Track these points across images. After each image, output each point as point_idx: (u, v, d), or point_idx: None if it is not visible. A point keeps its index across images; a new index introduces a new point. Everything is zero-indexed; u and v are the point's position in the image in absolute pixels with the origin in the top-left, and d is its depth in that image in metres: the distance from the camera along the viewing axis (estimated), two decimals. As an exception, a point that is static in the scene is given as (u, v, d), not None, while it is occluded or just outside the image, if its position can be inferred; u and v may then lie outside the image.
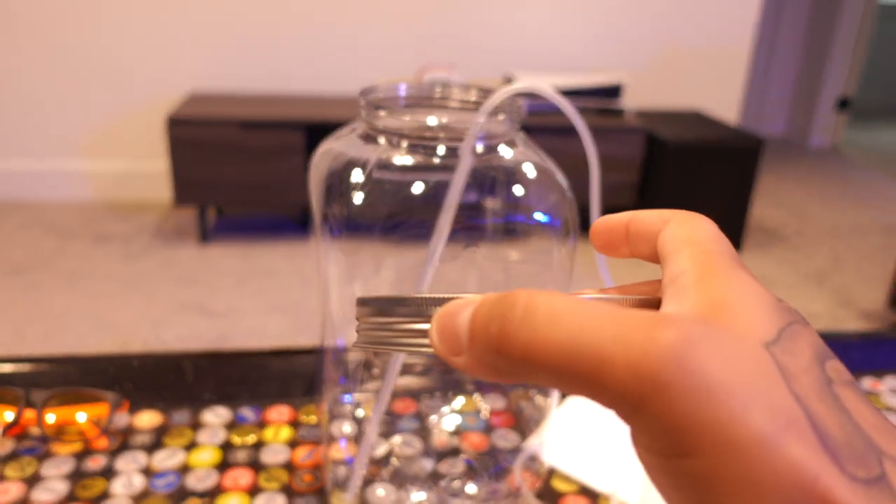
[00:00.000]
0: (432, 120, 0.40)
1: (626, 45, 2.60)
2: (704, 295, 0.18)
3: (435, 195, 0.38)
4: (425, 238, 0.38)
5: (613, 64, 2.59)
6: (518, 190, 0.39)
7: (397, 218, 0.39)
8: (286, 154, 2.10)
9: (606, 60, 2.59)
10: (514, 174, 0.39)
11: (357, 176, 0.38)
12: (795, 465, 0.15)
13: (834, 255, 2.40)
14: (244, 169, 2.10)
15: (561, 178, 0.40)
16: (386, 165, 0.38)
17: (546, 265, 0.42)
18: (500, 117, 0.39)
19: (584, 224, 0.46)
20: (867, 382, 0.64)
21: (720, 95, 2.71)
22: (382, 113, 0.39)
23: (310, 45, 2.46)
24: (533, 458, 0.51)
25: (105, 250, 2.13)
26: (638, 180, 2.26)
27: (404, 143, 0.39)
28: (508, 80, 2.33)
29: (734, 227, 2.31)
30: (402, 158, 0.39)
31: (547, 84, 2.22)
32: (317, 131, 2.14)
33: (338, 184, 0.40)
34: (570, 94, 2.23)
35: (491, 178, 0.39)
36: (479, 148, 0.39)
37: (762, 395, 0.16)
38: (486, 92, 0.43)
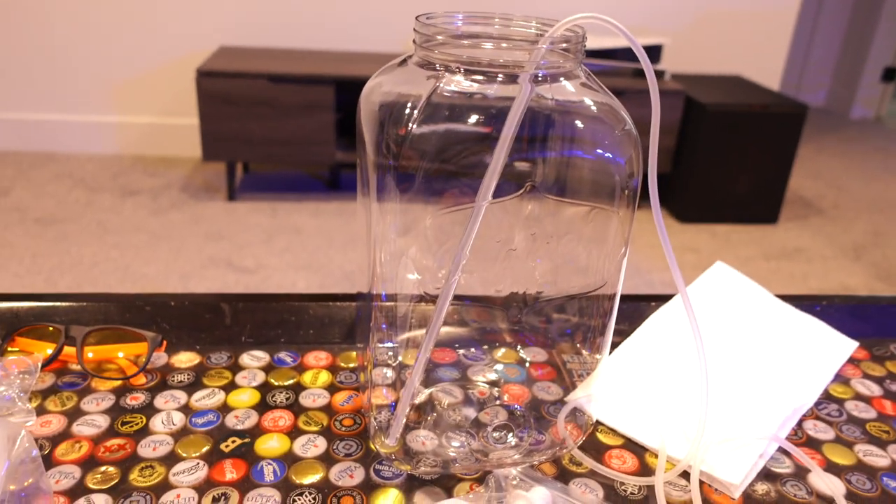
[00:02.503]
0: (490, 48, 0.38)
1: (667, 5, 2.53)
2: None
3: (494, 129, 0.36)
4: (481, 178, 0.37)
5: (652, 25, 2.52)
6: (578, 125, 0.37)
7: (453, 150, 0.38)
8: (315, 110, 2.08)
9: (645, 21, 2.52)
10: (574, 109, 0.37)
11: (411, 109, 0.36)
12: None
13: (873, 229, 2.34)
14: (273, 124, 2.09)
15: (625, 114, 0.38)
16: (442, 96, 0.36)
17: (607, 208, 0.40)
18: (562, 48, 0.37)
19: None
20: (921, 348, 0.61)
21: (762, 61, 2.63)
22: (439, 40, 0.37)
23: (341, 1, 2.42)
24: (577, 411, 0.50)
25: (133, 204, 2.14)
26: (675, 145, 2.21)
27: (461, 74, 0.37)
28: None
29: (772, 197, 2.26)
30: (459, 88, 0.37)
31: (589, 45, 2.18)
32: (346, 87, 2.12)
33: (390, 119, 0.38)
34: (606, 54, 2.17)
35: (549, 110, 0.37)
36: (540, 79, 0.37)
37: None
38: (546, 24, 0.40)
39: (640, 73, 2.24)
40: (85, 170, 2.39)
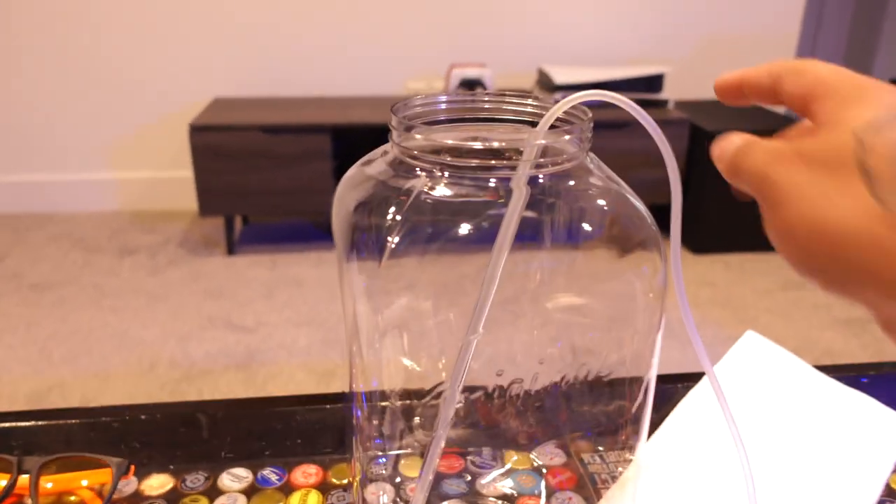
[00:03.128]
0: (479, 142, 0.32)
1: (666, 34, 2.50)
2: None
3: (486, 236, 0.30)
4: (477, 275, 0.31)
5: (653, 55, 2.48)
6: (589, 230, 0.31)
7: (433, 273, 0.32)
8: (312, 159, 2.04)
9: (645, 51, 2.48)
10: (583, 210, 0.31)
11: (390, 216, 0.30)
12: None
13: None
14: (270, 175, 2.05)
15: (643, 209, 0.32)
16: (423, 202, 0.31)
17: (628, 314, 0.34)
18: (566, 137, 0.31)
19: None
20: None
21: (764, 84, 2.58)
22: (418, 136, 0.31)
23: (335, 44, 2.40)
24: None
25: (131, 263, 2.09)
26: (682, 175, 2.15)
27: (446, 174, 0.31)
28: (543, 76, 2.24)
29: (782, 223, 2.19)
30: (444, 191, 0.31)
31: (585, 78, 2.11)
32: (343, 134, 2.08)
33: (367, 222, 0.32)
34: (607, 87, 2.13)
35: (554, 215, 0.31)
36: (541, 180, 0.31)
37: None
38: (544, 102, 0.35)
39: (646, 104, 2.20)
40: (83, 229, 2.35)
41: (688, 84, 2.52)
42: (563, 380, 0.38)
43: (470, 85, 2.21)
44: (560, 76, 2.13)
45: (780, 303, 1.87)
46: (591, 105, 0.32)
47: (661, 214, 0.35)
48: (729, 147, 0.28)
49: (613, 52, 2.46)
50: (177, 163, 2.47)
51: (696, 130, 2.12)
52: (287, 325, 1.73)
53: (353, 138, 2.18)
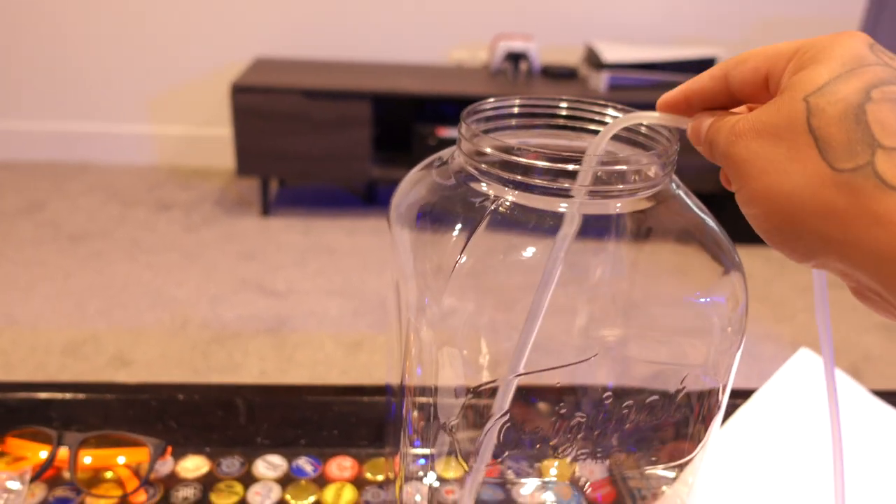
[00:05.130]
0: (549, 160, 0.30)
1: (721, 14, 2.41)
2: None
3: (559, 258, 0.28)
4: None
5: (706, 35, 2.40)
6: (664, 264, 0.29)
7: (502, 282, 0.30)
8: (351, 125, 2.02)
9: (698, 31, 2.40)
10: (660, 242, 0.29)
11: (457, 232, 0.29)
12: None
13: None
14: (308, 140, 2.04)
15: (727, 241, 0.30)
16: (492, 226, 0.29)
17: (703, 346, 0.32)
18: (644, 160, 0.29)
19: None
20: None
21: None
22: (488, 150, 0.29)
23: (379, 11, 2.36)
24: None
25: (167, 219, 2.11)
26: (724, 164, 2.10)
27: (513, 194, 0.29)
28: (590, 52, 2.18)
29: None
30: (513, 216, 0.29)
31: (635, 57, 2.05)
32: (384, 102, 2.05)
33: (431, 233, 0.31)
34: (657, 67, 2.07)
35: (630, 242, 0.29)
36: (617, 202, 0.29)
37: None
38: (625, 111, 0.32)
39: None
40: (120, 182, 2.37)
41: (739, 68, 2.44)
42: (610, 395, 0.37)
43: (515, 58, 2.16)
44: (608, 53, 2.07)
45: (819, 301, 1.82)
46: (639, 83, 0.30)
47: (706, 201, 0.32)
48: (701, 128, 0.26)
49: (665, 30, 2.39)
50: (215, 120, 2.47)
51: (745, 118, 2.05)
52: (318, 294, 1.73)
53: (394, 107, 2.15)
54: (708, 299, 0.29)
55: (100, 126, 2.50)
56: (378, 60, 2.38)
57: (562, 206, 0.27)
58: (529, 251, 0.28)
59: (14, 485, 0.43)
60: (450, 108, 2.18)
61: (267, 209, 2.17)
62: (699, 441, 0.40)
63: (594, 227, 0.29)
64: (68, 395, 0.51)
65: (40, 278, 1.75)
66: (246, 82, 2.00)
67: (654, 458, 0.46)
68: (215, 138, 2.49)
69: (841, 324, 1.75)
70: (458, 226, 0.28)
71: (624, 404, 0.43)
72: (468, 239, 0.28)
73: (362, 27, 2.38)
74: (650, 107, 0.29)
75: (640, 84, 2.05)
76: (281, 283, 1.78)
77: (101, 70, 2.42)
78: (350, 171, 2.10)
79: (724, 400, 0.37)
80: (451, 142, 0.37)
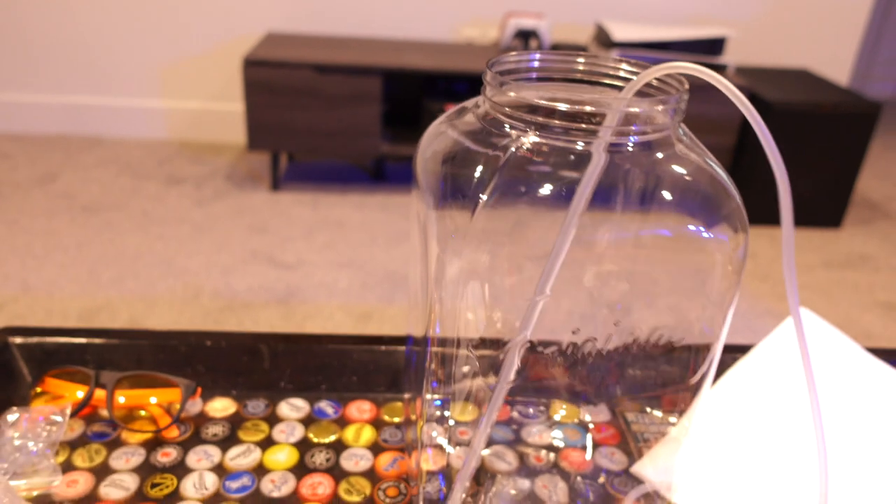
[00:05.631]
0: (570, 103, 0.32)
1: (728, -5, 2.41)
2: None
3: (571, 197, 0.31)
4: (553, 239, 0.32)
5: (716, 15, 2.40)
6: (673, 198, 0.32)
7: (521, 231, 0.33)
8: (362, 101, 2.04)
9: (708, 11, 2.40)
10: (668, 181, 0.32)
11: (480, 171, 0.31)
12: None
13: (941, 235, 2.20)
14: (319, 115, 2.05)
15: (732, 187, 0.32)
16: (514, 161, 0.31)
17: (705, 285, 0.34)
18: (658, 107, 0.31)
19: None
20: None
21: (831, 53, 2.49)
22: (511, 93, 0.32)
23: (389, -13, 2.37)
24: (646, 492, 0.45)
25: (178, 192, 2.13)
26: (734, 143, 2.11)
27: (535, 134, 0.31)
28: (601, 31, 2.19)
29: (837, 201, 2.14)
30: (533, 155, 0.31)
31: (644, 36, 2.08)
32: (394, 78, 2.07)
33: (456, 175, 0.33)
34: (667, 47, 2.07)
35: (639, 183, 0.31)
36: (629, 144, 0.31)
37: None
38: (638, 66, 0.35)
39: (706, 67, 2.14)
40: (131, 155, 2.39)
41: (750, 49, 2.44)
42: (635, 342, 0.39)
43: (525, 35, 2.17)
44: (618, 32, 2.07)
45: (822, 281, 1.85)
46: (649, 61, 0.32)
47: None
48: None
49: (675, 10, 2.39)
50: (226, 95, 2.48)
51: (754, 99, 2.06)
52: (328, 266, 1.76)
53: (404, 83, 2.17)
54: (711, 235, 0.31)
55: (112, 100, 2.52)
56: (389, 37, 2.39)
57: (579, 145, 0.30)
58: (548, 188, 0.31)
59: (56, 418, 0.46)
60: (460, 85, 2.19)
61: (277, 184, 2.19)
62: (697, 390, 0.43)
63: (609, 173, 0.31)
64: (103, 340, 0.54)
65: (54, 247, 1.78)
66: (258, 56, 2.02)
67: (655, 405, 0.48)
68: (226, 113, 2.50)
69: (842, 301, 1.77)
70: (481, 167, 0.31)
71: (628, 354, 0.46)
72: (493, 176, 0.30)
73: (374, 4, 2.38)
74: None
75: (649, 63, 2.06)
76: (290, 256, 1.80)
77: (114, 44, 2.44)
78: (360, 146, 2.12)
79: (719, 350, 0.40)
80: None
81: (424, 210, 0.34)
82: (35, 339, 0.53)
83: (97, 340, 0.54)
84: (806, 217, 2.13)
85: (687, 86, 0.32)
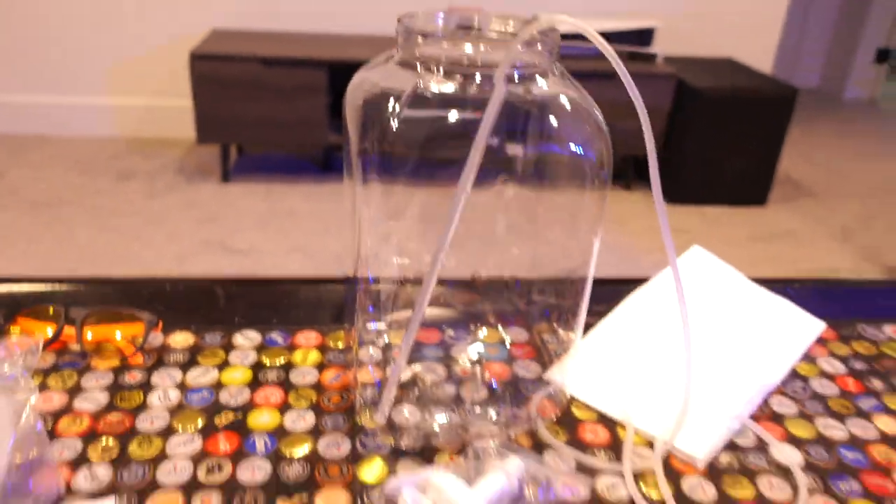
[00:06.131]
0: (469, 48, 0.40)
1: (658, -12, 2.53)
2: None
3: (470, 125, 0.38)
4: (459, 169, 0.39)
5: (645, 8, 2.52)
6: (552, 121, 0.39)
7: (432, 147, 0.40)
8: (308, 93, 2.09)
9: (638, 4, 2.52)
10: (548, 106, 0.39)
11: (393, 105, 0.38)
12: None
13: (864, 212, 2.36)
14: (266, 107, 2.10)
15: (597, 111, 0.40)
16: (422, 95, 0.39)
17: (578, 201, 0.42)
18: (538, 47, 0.39)
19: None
20: (888, 329, 0.64)
21: (755, 43, 2.64)
22: (420, 41, 0.39)
23: (333, -18, 2.42)
24: (553, 388, 0.52)
25: (129, 187, 2.15)
26: (665, 129, 2.23)
27: (440, 72, 0.39)
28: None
29: (761, 180, 2.28)
30: (439, 87, 0.39)
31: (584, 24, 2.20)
32: (340, 71, 2.13)
33: (373, 114, 0.40)
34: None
35: (525, 109, 0.39)
36: (515, 78, 0.39)
37: None
38: (524, 23, 0.42)
39: (633, 57, 2.25)
40: (80, 152, 2.39)
41: (677, 40, 2.57)
42: (524, 278, 0.47)
43: (466, 28, 2.25)
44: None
45: (748, 254, 1.98)
46: (582, 55, 0.40)
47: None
48: None
49: (606, 3, 2.50)
50: (173, 91, 2.50)
51: (682, 85, 2.19)
52: (280, 252, 1.81)
53: (349, 75, 2.23)
54: (582, 152, 0.39)
55: (58, 98, 2.52)
56: (334, 32, 2.44)
57: (477, 78, 0.37)
58: (455, 115, 0.38)
59: (30, 349, 0.52)
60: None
61: (227, 176, 2.23)
62: (578, 308, 0.50)
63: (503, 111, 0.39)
64: (70, 287, 0.59)
65: (3, 244, 1.78)
66: (204, 50, 2.05)
67: (564, 325, 0.56)
68: (174, 109, 2.52)
69: (767, 272, 1.90)
70: (393, 102, 0.38)
71: (531, 283, 0.54)
72: (405, 103, 0.37)
73: (316, 0, 2.44)
74: (591, 75, 0.39)
75: (581, 54, 2.16)
76: (243, 244, 1.85)
77: (60, 42, 2.43)
78: (308, 137, 2.17)
79: (592, 268, 0.48)
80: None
81: (350, 151, 0.41)
82: (3, 288, 0.58)
83: (63, 287, 0.59)
84: (734, 195, 2.27)
85: (559, 32, 0.40)
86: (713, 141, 2.18)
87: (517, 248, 0.56)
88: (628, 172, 2.42)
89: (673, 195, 2.26)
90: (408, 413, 0.50)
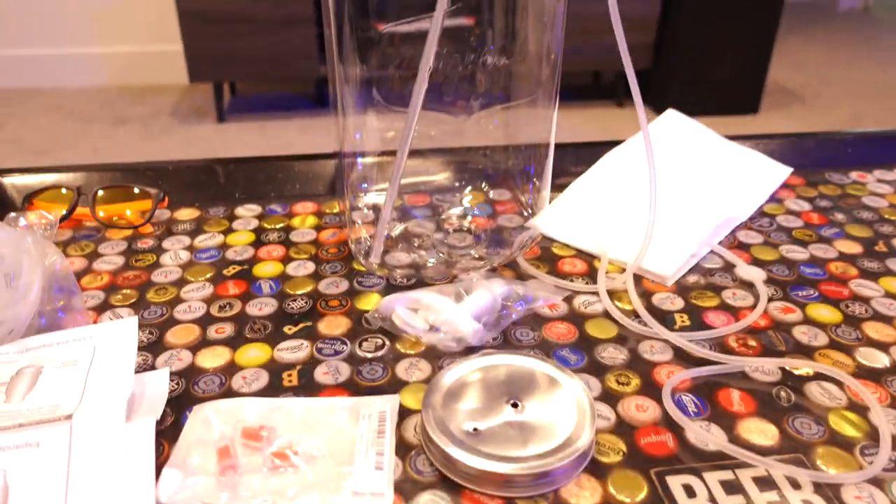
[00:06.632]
0: None
1: None
2: None
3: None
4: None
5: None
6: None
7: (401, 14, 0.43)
8: (296, 24, 2.09)
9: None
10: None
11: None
12: None
13: (854, 114, 2.37)
14: (256, 41, 2.10)
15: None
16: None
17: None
18: None
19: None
20: (854, 175, 0.68)
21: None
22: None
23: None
24: (534, 232, 0.56)
25: (125, 131, 2.17)
26: (654, 40, 2.22)
27: None
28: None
29: (751, 88, 2.29)
30: None
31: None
32: None
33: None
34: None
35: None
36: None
37: None
38: None
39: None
40: (74, 102, 2.41)
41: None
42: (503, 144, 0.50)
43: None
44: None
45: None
46: None
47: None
48: None
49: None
50: (161, 36, 2.50)
51: (670, -5, 2.17)
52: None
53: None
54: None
55: (46, 50, 2.52)
56: (317, -37, 2.42)
57: None
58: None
59: (50, 218, 0.56)
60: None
61: (222, 116, 2.24)
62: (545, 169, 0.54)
63: None
64: (79, 173, 0.63)
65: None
66: (189, -13, 2.05)
67: (545, 186, 0.60)
68: (164, 54, 2.52)
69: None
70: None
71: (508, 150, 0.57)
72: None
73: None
74: None
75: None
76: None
77: (40, -10, 2.42)
78: (299, 70, 2.18)
79: (553, 128, 0.52)
80: (391, 36, 0.50)
81: (331, 32, 0.44)
82: (18, 177, 0.62)
83: (74, 174, 0.63)
84: (725, 104, 2.28)
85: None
86: (703, 50, 2.18)
87: (493, 121, 0.59)
88: (619, 89, 2.42)
89: (664, 107, 2.26)
90: (400, 256, 0.54)
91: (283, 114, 2.29)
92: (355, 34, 0.49)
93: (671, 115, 0.71)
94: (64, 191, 0.59)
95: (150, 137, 2.12)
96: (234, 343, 0.44)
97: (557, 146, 0.58)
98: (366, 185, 0.60)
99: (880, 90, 2.62)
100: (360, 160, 0.58)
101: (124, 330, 0.40)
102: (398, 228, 0.58)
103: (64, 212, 0.58)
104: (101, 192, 0.59)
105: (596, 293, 0.50)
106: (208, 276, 0.52)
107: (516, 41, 0.52)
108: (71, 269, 0.46)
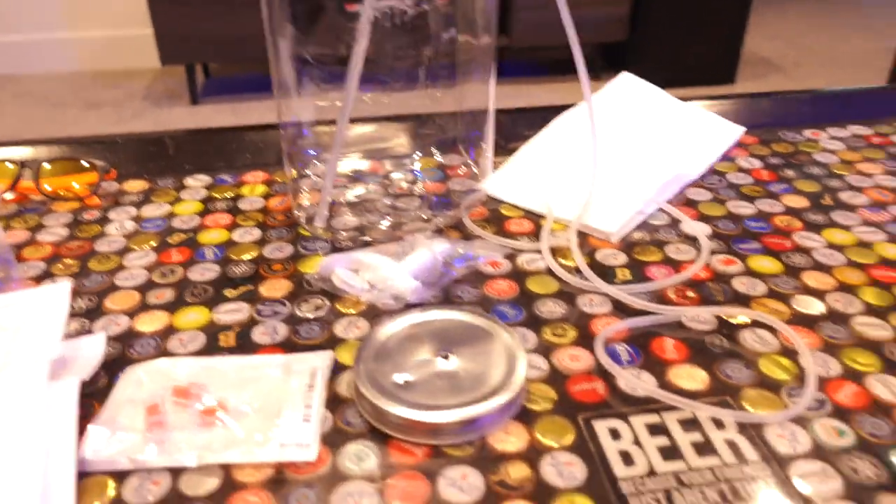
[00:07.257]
0: None
1: None
2: None
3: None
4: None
5: None
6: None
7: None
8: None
9: None
10: None
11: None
12: None
13: (833, 81, 2.38)
14: (226, 21, 2.08)
15: None
16: None
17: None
18: None
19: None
20: (807, 133, 0.68)
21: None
22: None
23: None
24: (482, 194, 0.56)
25: (97, 115, 2.15)
26: (629, 13, 2.21)
27: None
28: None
29: (728, 58, 2.28)
30: None
31: None
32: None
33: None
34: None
35: None
36: None
37: None
38: None
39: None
40: (45, 87, 2.38)
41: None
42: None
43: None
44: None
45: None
46: None
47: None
48: None
49: None
50: (134, 20, 2.46)
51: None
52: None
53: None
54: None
55: (16, 36, 2.48)
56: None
57: None
58: None
59: (-9, 194, 0.55)
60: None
61: (196, 99, 2.22)
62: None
63: None
64: (26, 148, 0.62)
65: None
66: (156, -33, 2.02)
67: (501, 152, 0.59)
68: (136, 38, 2.49)
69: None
70: None
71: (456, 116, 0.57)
72: None
73: None
74: None
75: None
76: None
77: (7, -26, 2.38)
78: (272, 50, 2.15)
79: (491, 95, 0.51)
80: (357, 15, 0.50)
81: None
82: (-36, 153, 0.61)
83: (21, 147, 0.62)
84: (701, 76, 2.28)
85: None
86: (678, 22, 2.18)
87: (438, 91, 0.59)
88: (595, 61, 2.42)
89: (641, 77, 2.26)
90: (346, 219, 0.53)
91: (256, 95, 2.27)
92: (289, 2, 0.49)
93: (626, 77, 0.71)
94: (10, 165, 0.59)
95: (123, 121, 2.10)
96: (172, 307, 0.44)
97: (514, 111, 0.57)
98: (315, 153, 0.60)
99: (857, 56, 2.63)
100: (305, 130, 0.57)
101: (56, 295, 0.40)
102: (349, 194, 0.58)
103: (6, 186, 0.58)
104: (47, 166, 0.58)
105: (539, 251, 0.50)
106: (152, 244, 0.52)
107: (457, 11, 0.51)
108: (7, 240, 0.46)
